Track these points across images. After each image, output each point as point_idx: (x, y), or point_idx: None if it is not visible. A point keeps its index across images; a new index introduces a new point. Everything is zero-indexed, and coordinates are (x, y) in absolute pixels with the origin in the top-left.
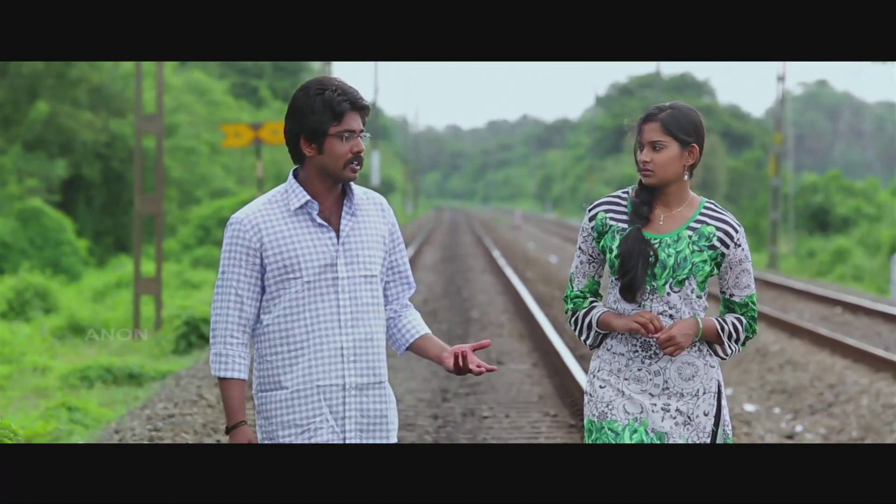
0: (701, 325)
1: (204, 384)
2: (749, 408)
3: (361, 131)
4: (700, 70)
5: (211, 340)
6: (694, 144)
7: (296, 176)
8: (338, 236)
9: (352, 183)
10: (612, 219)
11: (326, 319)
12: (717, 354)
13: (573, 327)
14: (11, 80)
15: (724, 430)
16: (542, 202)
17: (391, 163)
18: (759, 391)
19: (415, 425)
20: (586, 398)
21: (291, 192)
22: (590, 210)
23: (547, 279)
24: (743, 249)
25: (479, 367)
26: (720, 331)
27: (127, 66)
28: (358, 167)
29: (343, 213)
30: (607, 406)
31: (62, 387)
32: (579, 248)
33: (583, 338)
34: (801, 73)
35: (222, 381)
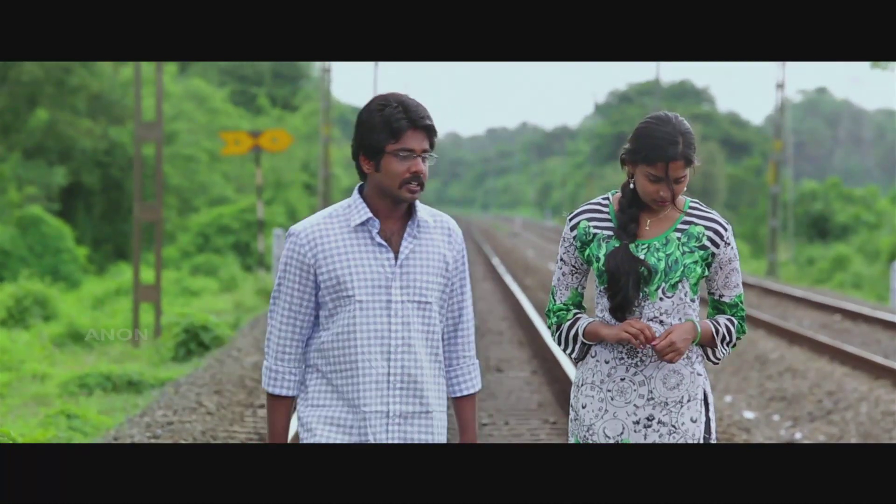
0: (699, 329)
1: (203, 391)
2: (748, 415)
3: (424, 152)
4: (699, 77)
5: (265, 352)
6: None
7: (360, 192)
8: (396, 258)
9: (419, 203)
10: (595, 227)
11: (376, 343)
12: (708, 359)
13: (557, 341)
14: (11, 87)
15: (711, 442)
16: (542, 210)
17: None
18: (758, 398)
19: None
20: (571, 413)
21: (353, 208)
22: (570, 220)
23: (546, 287)
24: (732, 248)
25: None
26: (714, 334)
27: (126, 73)
28: (416, 188)
29: (405, 235)
30: (588, 430)
31: (61, 394)
32: (561, 259)
33: (567, 350)
34: (801, 81)
35: (270, 398)
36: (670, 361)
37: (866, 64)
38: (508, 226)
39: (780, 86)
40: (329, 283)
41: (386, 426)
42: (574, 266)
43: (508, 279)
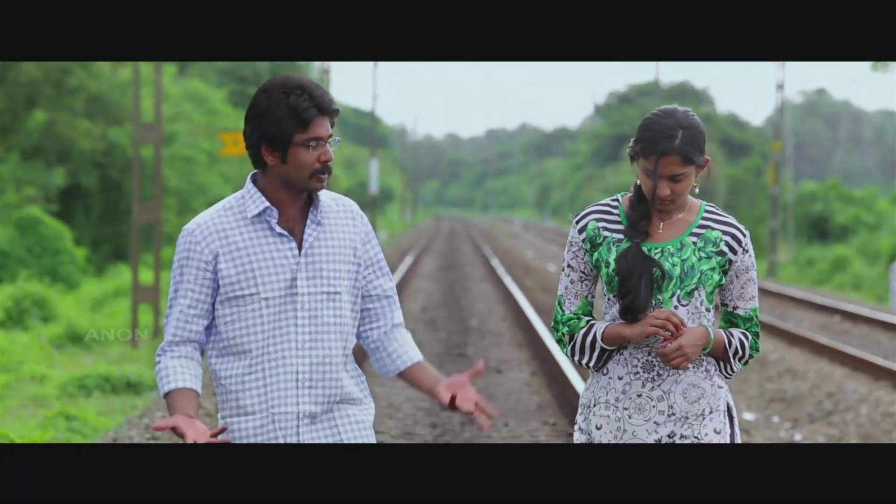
0: (712, 337)
1: (202, 393)
2: (748, 416)
3: (330, 136)
4: (699, 78)
5: (156, 357)
6: (707, 157)
7: (255, 181)
8: (300, 248)
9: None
10: (605, 229)
11: (283, 340)
12: (721, 371)
13: (570, 353)
14: (9, 88)
15: None
16: (542, 211)
17: (389, 171)
18: (758, 400)
19: (413, 434)
20: (579, 436)
21: (249, 199)
22: (578, 221)
23: (546, 288)
24: (750, 256)
25: (475, 407)
26: (727, 346)
27: (125, 74)
28: (325, 177)
29: (308, 223)
30: None
31: (60, 396)
32: (568, 265)
33: (585, 360)
34: (801, 82)
35: (168, 396)
36: (677, 367)
37: (866, 64)
38: (508, 227)
39: (780, 87)
40: (229, 281)
41: (297, 427)
42: (584, 272)
43: (508, 280)
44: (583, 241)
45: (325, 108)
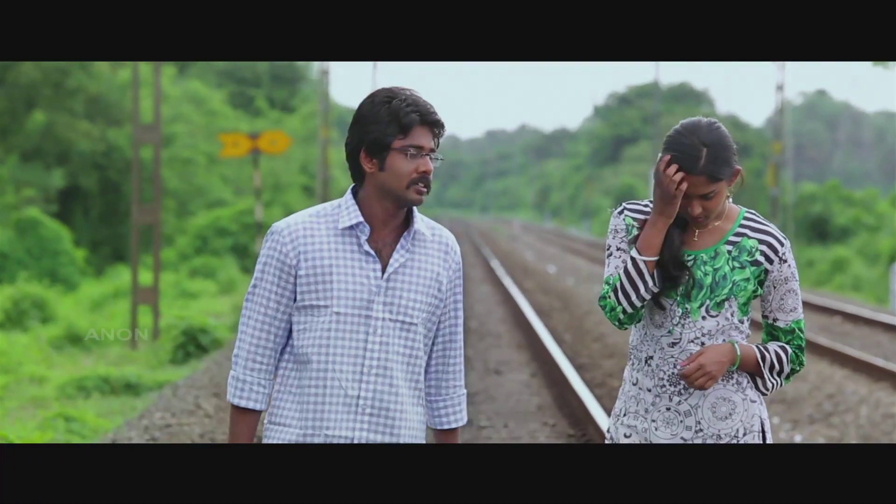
0: (739, 353)
1: (201, 394)
2: None
3: (432, 150)
4: (699, 79)
5: (233, 360)
6: (737, 168)
7: (354, 194)
8: (384, 271)
9: (418, 213)
10: (638, 229)
11: (348, 362)
12: (757, 388)
13: (623, 299)
14: (9, 89)
15: None
16: (541, 212)
17: None
18: None
19: None
20: (608, 443)
21: (344, 209)
22: (620, 213)
23: (546, 289)
24: (789, 266)
25: None
26: (760, 360)
27: (124, 75)
28: (424, 190)
29: (397, 248)
30: None
31: (59, 397)
32: (617, 248)
33: (642, 289)
34: (801, 83)
35: (235, 409)
36: (701, 388)
37: (866, 64)
38: (507, 228)
39: (780, 88)
40: (306, 289)
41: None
42: None
43: (507, 281)
44: (626, 225)
45: (427, 117)
